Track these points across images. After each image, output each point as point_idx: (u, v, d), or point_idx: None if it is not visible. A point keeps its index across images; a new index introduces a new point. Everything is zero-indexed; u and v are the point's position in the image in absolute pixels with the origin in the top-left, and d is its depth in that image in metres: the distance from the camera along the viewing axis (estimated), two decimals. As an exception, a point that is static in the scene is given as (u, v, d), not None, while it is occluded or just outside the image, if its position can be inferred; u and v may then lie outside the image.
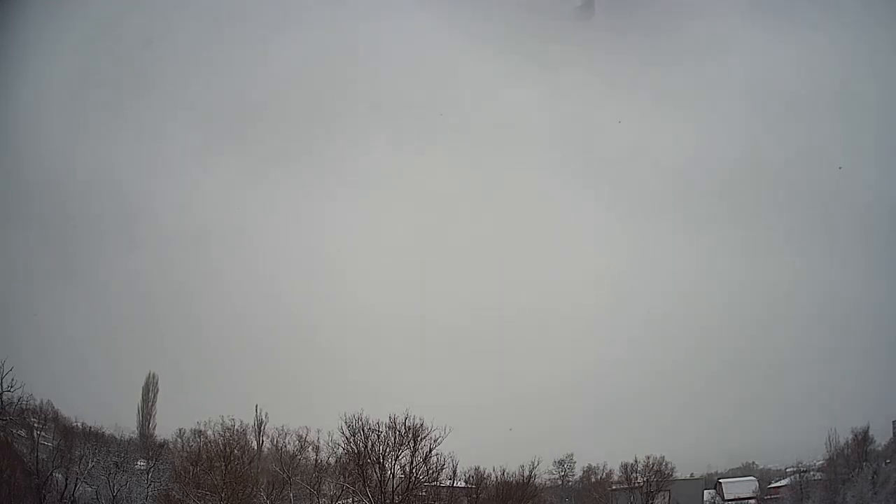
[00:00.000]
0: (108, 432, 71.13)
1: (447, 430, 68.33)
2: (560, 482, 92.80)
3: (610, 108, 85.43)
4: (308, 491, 68.20)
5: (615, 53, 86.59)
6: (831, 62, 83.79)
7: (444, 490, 73.45)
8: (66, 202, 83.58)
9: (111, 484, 64.55)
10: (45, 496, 62.15)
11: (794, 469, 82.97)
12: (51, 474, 63.17)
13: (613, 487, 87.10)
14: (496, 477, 75.60)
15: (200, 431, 73.96)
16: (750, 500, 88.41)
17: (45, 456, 64.19)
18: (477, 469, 75.58)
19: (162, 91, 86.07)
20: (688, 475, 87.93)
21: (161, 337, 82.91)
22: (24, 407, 67.17)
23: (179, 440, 79.09)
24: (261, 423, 78.17)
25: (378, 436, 68.17)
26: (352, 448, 68.55)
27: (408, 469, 68.74)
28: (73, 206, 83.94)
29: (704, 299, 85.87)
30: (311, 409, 77.88)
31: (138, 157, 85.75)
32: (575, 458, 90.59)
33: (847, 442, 76.05)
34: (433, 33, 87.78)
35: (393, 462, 68.50)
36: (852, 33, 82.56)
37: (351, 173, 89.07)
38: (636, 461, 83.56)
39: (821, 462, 78.68)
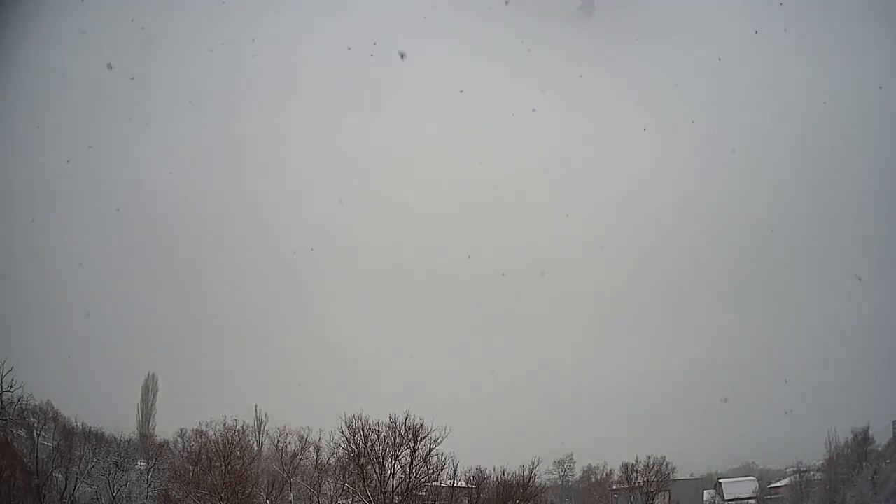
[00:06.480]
0: (108, 432, 70.92)
1: (447, 430, 68.33)
2: (560, 482, 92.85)
3: (609, 112, 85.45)
4: (308, 491, 68.21)
5: (615, 55, 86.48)
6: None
7: (445, 490, 73.37)
8: (66, 200, 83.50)
9: (111, 484, 64.50)
10: (44, 496, 62.09)
11: (794, 469, 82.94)
12: (51, 474, 63.09)
13: (613, 487, 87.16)
14: (496, 477, 75.53)
15: (201, 431, 73.93)
16: (750, 500, 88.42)
17: (45, 456, 64.05)
18: (478, 469, 75.60)
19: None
20: (688, 475, 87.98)
21: (161, 337, 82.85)
22: (24, 407, 66.87)
23: (180, 440, 79.05)
24: (261, 424, 78.15)
25: (378, 436, 68.18)
26: (352, 448, 68.54)
27: (408, 469, 68.72)
28: (72, 204, 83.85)
29: (704, 300, 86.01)
30: (312, 410, 77.84)
31: (137, 156, 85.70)
32: (575, 458, 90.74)
33: (847, 442, 75.95)
34: (428, 31, 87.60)
35: (393, 462, 68.48)
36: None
37: (351, 177, 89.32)
38: (636, 461, 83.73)
39: (821, 462, 78.62)
